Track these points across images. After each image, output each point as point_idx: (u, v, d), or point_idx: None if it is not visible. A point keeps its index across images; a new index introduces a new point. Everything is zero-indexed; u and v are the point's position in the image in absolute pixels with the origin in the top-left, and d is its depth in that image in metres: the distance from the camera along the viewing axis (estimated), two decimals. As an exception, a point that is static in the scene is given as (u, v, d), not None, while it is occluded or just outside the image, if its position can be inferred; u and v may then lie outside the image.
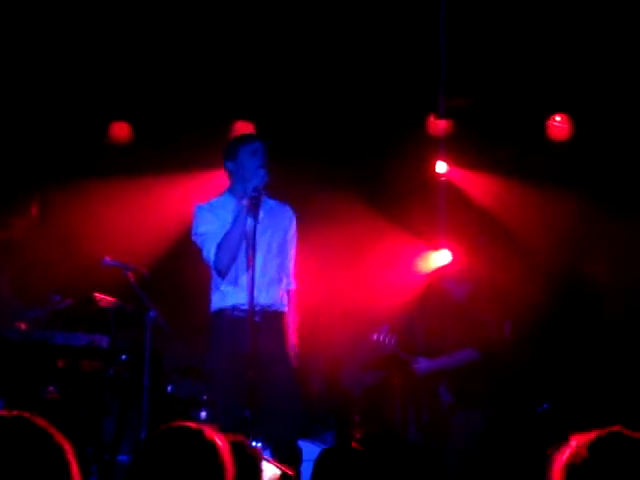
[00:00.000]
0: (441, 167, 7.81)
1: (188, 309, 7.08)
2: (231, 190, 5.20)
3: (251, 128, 7.67)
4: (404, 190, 7.58)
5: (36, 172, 7.06)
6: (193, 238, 5.22)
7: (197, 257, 6.75)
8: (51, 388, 5.82)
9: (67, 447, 2.00)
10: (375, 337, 6.12)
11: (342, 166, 7.65)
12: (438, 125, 7.72)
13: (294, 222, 5.32)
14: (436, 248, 7.61)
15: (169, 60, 7.17)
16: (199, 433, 2.22)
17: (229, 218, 5.04)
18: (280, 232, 5.21)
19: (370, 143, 7.68)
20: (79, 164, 7.33)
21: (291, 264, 5.30)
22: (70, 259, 6.63)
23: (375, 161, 7.70)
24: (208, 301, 5.22)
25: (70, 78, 7.17)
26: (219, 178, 7.54)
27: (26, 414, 2.01)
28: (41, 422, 2.00)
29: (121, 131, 7.63)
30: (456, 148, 7.70)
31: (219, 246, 4.98)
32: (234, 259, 4.97)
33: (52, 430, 2.00)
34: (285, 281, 5.23)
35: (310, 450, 5.93)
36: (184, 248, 7.40)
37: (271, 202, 5.25)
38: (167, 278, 7.20)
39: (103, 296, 6.01)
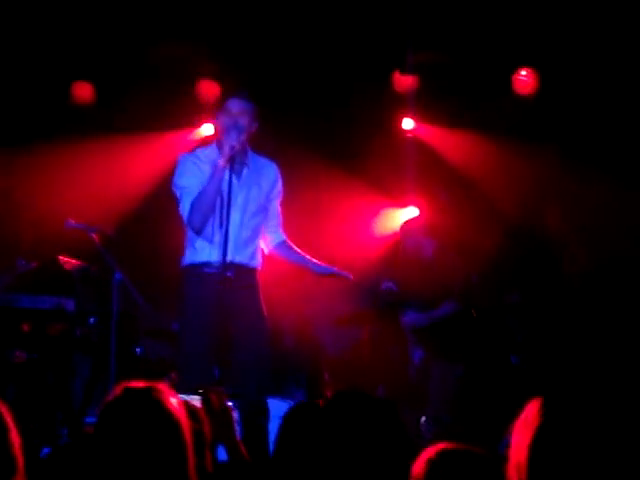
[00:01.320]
0: (407, 124, 7.78)
1: (155, 271, 7.07)
2: (217, 143, 5.13)
3: (216, 88, 7.60)
4: (370, 147, 7.54)
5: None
6: (173, 188, 5.10)
7: (165, 217, 6.74)
8: (17, 352, 5.79)
9: (3, 410, 1.99)
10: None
11: (307, 122, 7.60)
12: (404, 81, 7.67)
13: (279, 179, 5.24)
14: (403, 205, 7.61)
15: (129, 16, 7.07)
16: (147, 392, 2.21)
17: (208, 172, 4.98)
18: (262, 190, 5.12)
19: (335, 99, 7.62)
20: (40, 126, 7.22)
21: (278, 220, 5.25)
22: (34, 223, 6.56)
23: (341, 117, 7.64)
24: (180, 257, 5.16)
25: (32, 37, 7.05)
26: (183, 138, 7.55)
27: None
28: None
29: (83, 91, 7.52)
30: (422, 104, 7.66)
31: (192, 204, 4.92)
32: (208, 217, 4.89)
33: None
34: (265, 239, 5.20)
35: (280, 407, 5.96)
36: (150, 209, 7.40)
37: (257, 159, 5.17)
38: (133, 239, 7.16)
39: (68, 259, 5.96)
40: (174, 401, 2.23)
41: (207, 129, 7.54)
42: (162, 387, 2.26)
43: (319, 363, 7.21)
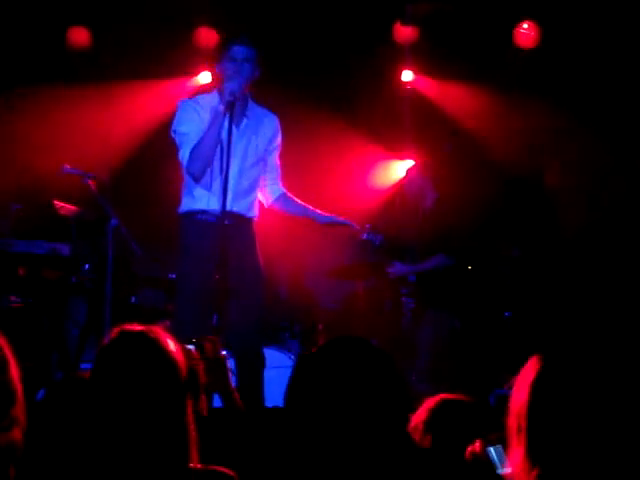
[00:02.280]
0: (407, 75, 7.72)
1: (152, 218, 7.05)
2: (219, 90, 5.07)
3: (215, 35, 7.52)
4: (370, 99, 7.50)
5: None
6: (172, 134, 5.04)
7: (162, 164, 6.70)
8: (13, 297, 5.79)
9: (2, 343, 2.00)
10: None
11: (306, 74, 7.54)
12: (404, 32, 7.60)
13: (279, 131, 5.19)
14: (401, 157, 7.58)
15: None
16: (143, 333, 2.21)
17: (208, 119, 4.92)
18: (261, 140, 5.08)
19: (336, 51, 7.55)
20: (38, 70, 7.15)
21: (277, 172, 5.21)
22: (30, 167, 6.52)
23: (341, 69, 7.58)
24: (177, 203, 5.14)
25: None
26: (181, 86, 7.49)
27: None
28: None
29: (80, 36, 7.44)
30: (422, 56, 7.60)
31: (192, 151, 4.87)
32: (207, 165, 4.84)
33: None
34: (264, 192, 5.18)
35: (274, 357, 5.99)
36: (146, 156, 7.36)
37: (257, 109, 5.12)
38: (129, 186, 7.13)
39: (63, 204, 5.94)
40: (171, 343, 2.23)
41: (205, 77, 7.48)
42: (158, 329, 2.26)
43: (313, 314, 7.24)
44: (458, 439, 2.45)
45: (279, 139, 5.21)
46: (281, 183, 5.25)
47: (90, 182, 5.83)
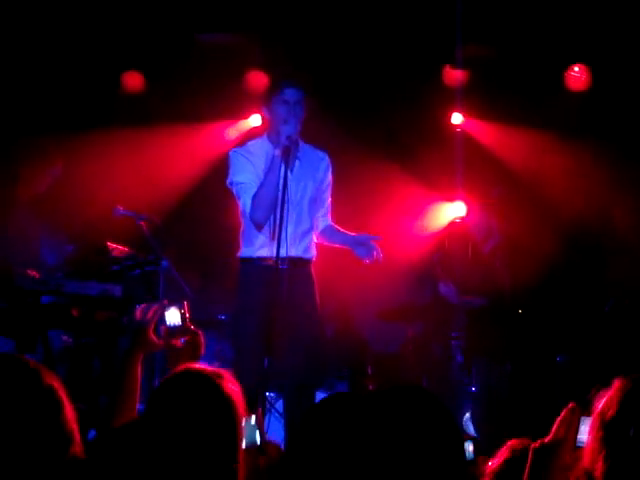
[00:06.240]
0: (457, 118, 7.72)
1: (201, 260, 7.09)
2: (269, 134, 5.09)
3: (265, 79, 7.59)
4: (420, 141, 7.51)
5: (52, 124, 6.99)
6: (229, 186, 5.04)
7: (212, 207, 6.74)
8: (65, 337, 5.83)
9: (57, 386, 2.01)
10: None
11: (358, 116, 7.57)
12: (454, 75, 7.62)
13: (330, 170, 5.20)
14: (451, 200, 7.56)
15: (178, 6, 7.09)
16: (207, 377, 2.21)
17: (263, 166, 4.92)
18: (315, 183, 5.08)
19: (386, 93, 7.58)
20: (93, 115, 7.27)
21: (327, 209, 5.20)
22: (84, 209, 6.60)
23: (391, 111, 7.60)
24: (230, 249, 5.16)
25: (84, 28, 7.10)
26: (230, 129, 7.56)
27: (18, 355, 2.03)
28: (32, 363, 2.02)
29: (134, 81, 7.57)
30: (472, 99, 7.60)
31: (254, 199, 4.85)
32: (270, 211, 4.78)
33: (43, 370, 2.01)
34: (318, 226, 5.18)
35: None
36: (197, 198, 7.42)
37: (308, 149, 5.13)
38: (180, 229, 7.18)
39: (116, 245, 6.00)
40: (233, 388, 2.22)
41: (255, 119, 7.55)
42: (226, 374, 2.26)
43: (362, 356, 7.18)
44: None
45: (330, 177, 5.22)
46: (330, 217, 5.25)
47: (142, 224, 5.89)
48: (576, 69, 7.48)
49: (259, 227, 4.89)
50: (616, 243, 6.96)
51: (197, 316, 6.52)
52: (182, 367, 2.27)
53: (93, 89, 7.37)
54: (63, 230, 6.21)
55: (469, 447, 2.78)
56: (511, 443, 2.54)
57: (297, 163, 5.02)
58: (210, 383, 2.20)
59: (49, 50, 7.12)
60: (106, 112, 7.33)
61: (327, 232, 5.21)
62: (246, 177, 4.96)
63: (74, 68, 7.26)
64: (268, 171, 4.82)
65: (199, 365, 2.27)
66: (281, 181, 4.72)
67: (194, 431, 2.13)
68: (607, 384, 2.32)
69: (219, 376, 2.23)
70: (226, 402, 2.19)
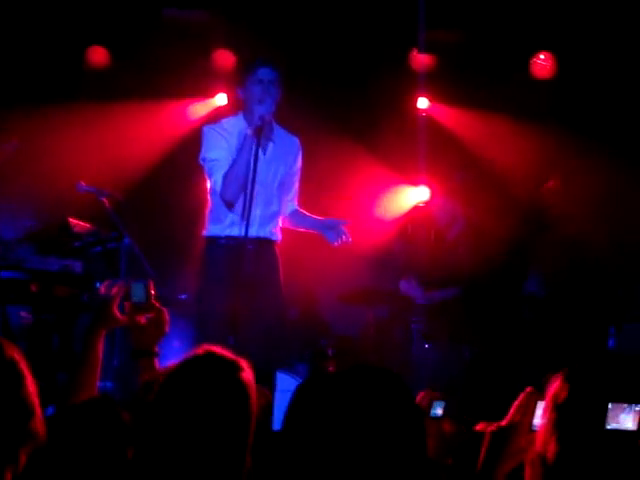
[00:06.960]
0: (422, 102, 7.74)
1: (164, 238, 7.05)
2: (244, 113, 5.04)
3: (231, 58, 7.54)
4: (385, 125, 7.50)
5: (11, 98, 6.90)
6: (201, 162, 5.01)
7: (176, 184, 6.71)
8: (24, 313, 5.78)
9: (19, 358, 1.99)
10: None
11: (323, 99, 7.55)
12: (420, 60, 7.62)
13: (300, 155, 5.20)
14: (415, 184, 7.58)
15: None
16: (230, 365, 2.18)
17: (237, 144, 4.89)
18: (286, 167, 5.09)
19: (351, 77, 7.57)
20: (56, 89, 7.18)
21: (295, 193, 5.22)
22: (46, 185, 6.53)
23: (356, 95, 7.60)
24: (193, 228, 5.13)
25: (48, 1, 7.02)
26: (195, 107, 7.51)
27: None
28: None
29: (98, 56, 7.49)
30: (438, 84, 7.62)
31: (225, 177, 4.83)
32: (241, 190, 4.76)
33: (4, 342, 1.99)
34: (285, 210, 5.17)
35: (286, 381, 5.94)
36: (161, 175, 7.37)
37: (281, 132, 5.11)
38: (143, 205, 7.13)
39: (78, 221, 5.95)
40: (252, 379, 2.21)
41: (221, 99, 7.50)
42: (243, 363, 2.24)
43: (323, 338, 7.19)
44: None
45: (300, 162, 5.21)
46: (296, 202, 5.24)
47: (104, 200, 5.84)
48: (542, 57, 7.51)
49: (229, 205, 4.87)
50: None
51: (159, 294, 6.55)
52: (202, 349, 2.22)
53: (57, 63, 7.28)
54: (23, 204, 6.14)
55: (438, 409, 2.93)
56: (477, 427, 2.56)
57: (271, 145, 5.00)
58: (231, 372, 2.18)
59: (11, 23, 7.01)
60: (70, 87, 7.25)
61: (294, 216, 5.21)
62: (219, 154, 4.93)
63: (37, 42, 7.16)
64: (240, 150, 4.80)
65: (219, 350, 2.23)
66: (252, 160, 4.69)
67: (208, 418, 2.11)
68: (560, 369, 2.33)
69: (239, 367, 2.21)
70: (244, 394, 2.18)
